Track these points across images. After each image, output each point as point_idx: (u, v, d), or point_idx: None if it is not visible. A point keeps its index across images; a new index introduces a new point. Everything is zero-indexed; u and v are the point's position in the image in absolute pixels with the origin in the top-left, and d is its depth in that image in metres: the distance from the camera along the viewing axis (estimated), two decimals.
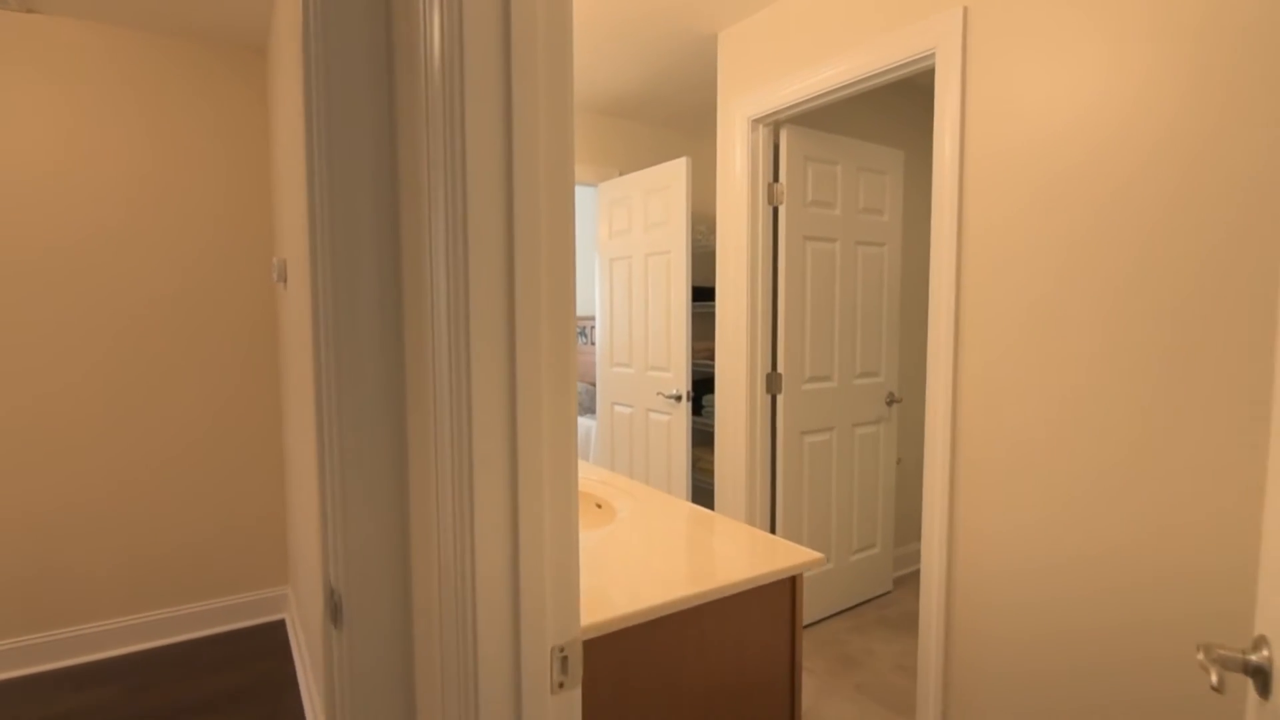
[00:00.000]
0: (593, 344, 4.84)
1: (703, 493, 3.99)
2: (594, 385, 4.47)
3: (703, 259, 3.88)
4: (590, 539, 1.40)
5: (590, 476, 1.89)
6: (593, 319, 4.59)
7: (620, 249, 3.61)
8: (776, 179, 2.69)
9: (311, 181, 0.90)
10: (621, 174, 3.80)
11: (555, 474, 0.80)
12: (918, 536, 3.55)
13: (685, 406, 3.20)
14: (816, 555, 1.33)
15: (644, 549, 1.35)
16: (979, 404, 1.89)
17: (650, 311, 3.40)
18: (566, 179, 0.79)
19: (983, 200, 1.87)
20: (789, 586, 1.32)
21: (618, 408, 3.68)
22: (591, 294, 4.88)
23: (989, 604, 1.87)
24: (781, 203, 2.66)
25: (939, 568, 1.98)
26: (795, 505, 2.76)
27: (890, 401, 3.07)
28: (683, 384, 3.20)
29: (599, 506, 1.68)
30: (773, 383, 2.73)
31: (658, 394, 3.33)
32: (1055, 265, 1.69)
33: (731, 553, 1.34)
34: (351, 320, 0.88)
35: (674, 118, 3.84)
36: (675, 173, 3.19)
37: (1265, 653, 0.71)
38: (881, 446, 3.09)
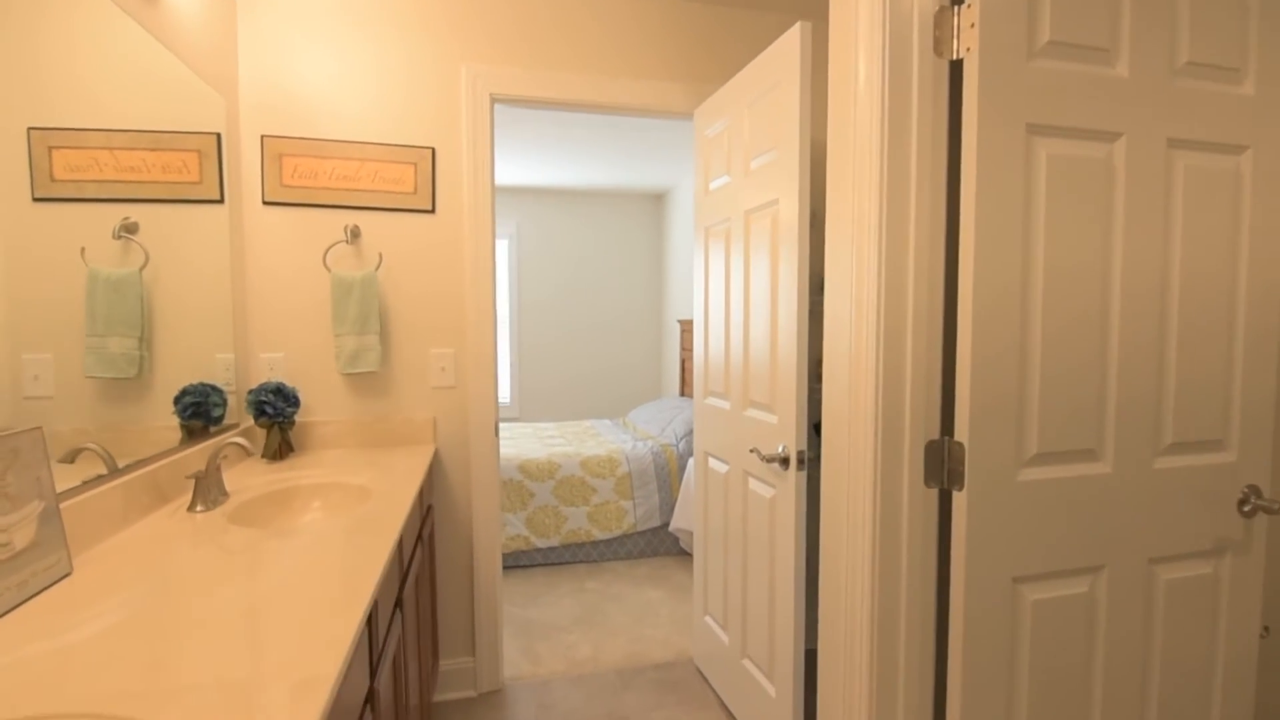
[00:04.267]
0: None
1: None
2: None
3: None
4: None
5: None
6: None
7: (717, 208, 2.28)
8: None
9: None
10: None
11: None
12: None
13: (797, 478, 1.78)
14: None
15: None
16: None
17: (752, 309, 2.03)
18: None
19: None
20: None
21: (713, 462, 2.35)
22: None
23: None
24: (970, 49, 1.16)
25: None
26: None
27: (1250, 507, 1.36)
28: (793, 435, 1.78)
29: None
30: (942, 462, 1.24)
31: (751, 451, 1.94)
32: None
33: None
34: None
35: None
36: (785, 57, 1.79)
37: None
38: (1225, 603, 1.38)
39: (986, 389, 1.17)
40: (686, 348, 5.15)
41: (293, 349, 2.25)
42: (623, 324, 6.20)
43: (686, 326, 5.17)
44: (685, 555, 3.80)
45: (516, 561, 3.65)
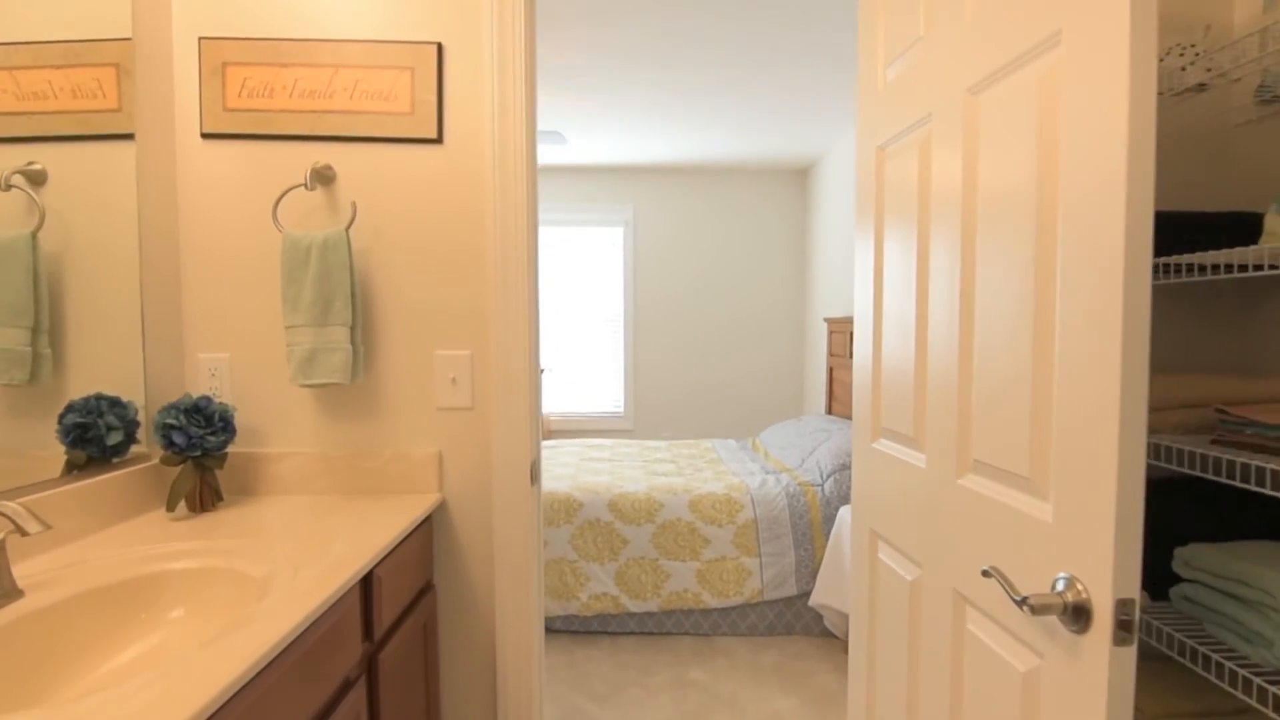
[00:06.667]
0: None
1: None
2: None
3: (1197, 109, 1.27)
4: None
5: None
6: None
7: (900, 105, 1.27)
8: None
9: None
10: None
11: None
12: None
13: (1113, 658, 0.76)
14: None
15: None
16: None
17: (982, 286, 1.01)
18: None
19: None
20: None
21: (886, 552, 1.34)
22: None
23: None
24: None
25: None
26: None
27: None
28: (1106, 560, 0.76)
29: None
30: None
31: (986, 574, 0.93)
32: None
33: None
34: None
35: None
36: None
37: None
38: None
39: None
40: (836, 353, 4.08)
41: (241, 348, 1.53)
42: (757, 325, 5.21)
43: (837, 327, 4.10)
44: (832, 639, 2.77)
45: (604, 626, 2.80)
